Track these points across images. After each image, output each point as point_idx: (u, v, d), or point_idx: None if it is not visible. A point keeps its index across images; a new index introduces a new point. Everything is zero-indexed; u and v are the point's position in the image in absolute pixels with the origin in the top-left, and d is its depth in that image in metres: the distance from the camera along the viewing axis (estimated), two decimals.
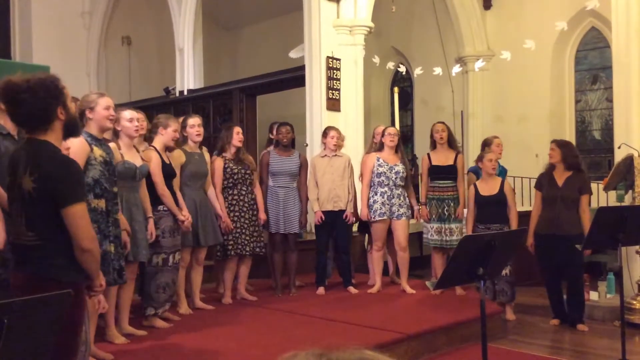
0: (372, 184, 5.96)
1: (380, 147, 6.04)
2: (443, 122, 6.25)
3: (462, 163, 6.12)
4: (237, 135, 5.61)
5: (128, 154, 4.32)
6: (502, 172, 6.29)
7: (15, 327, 1.65)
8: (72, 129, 2.64)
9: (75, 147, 3.39)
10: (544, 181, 5.62)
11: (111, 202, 3.71)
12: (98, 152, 3.66)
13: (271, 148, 6.06)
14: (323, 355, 0.90)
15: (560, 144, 5.61)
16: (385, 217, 5.88)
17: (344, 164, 6.03)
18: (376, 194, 5.92)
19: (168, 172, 4.80)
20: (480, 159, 5.87)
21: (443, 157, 6.04)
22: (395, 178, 5.90)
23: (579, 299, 5.53)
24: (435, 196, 6.00)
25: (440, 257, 6.07)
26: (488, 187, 5.73)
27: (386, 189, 5.90)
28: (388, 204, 5.88)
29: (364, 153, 6.58)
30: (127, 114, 4.35)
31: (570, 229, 5.34)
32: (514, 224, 5.61)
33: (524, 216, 5.94)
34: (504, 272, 5.49)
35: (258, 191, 5.75)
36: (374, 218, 5.92)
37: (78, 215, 2.44)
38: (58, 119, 2.51)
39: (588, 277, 5.89)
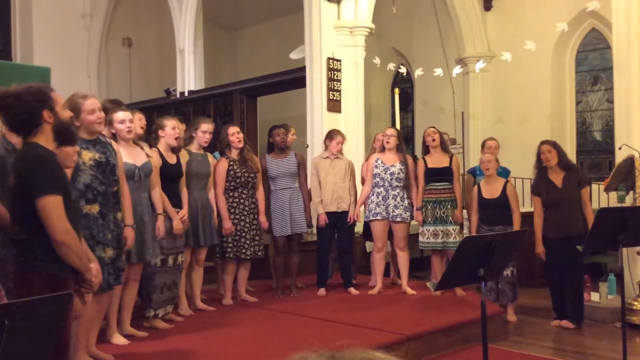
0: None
1: (382, 148, 6.06)
2: (433, 127, 6.26)
3: (457, 165, 6.11)
4: (231, 137, 5.50)
5: (129, 154, 4.25)
6: (503, 174, 6.28)
7: (15, 328, 1.65)
8: (65, 134, 2.67)
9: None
10: (542, 186, 5.55)
11: (109, 203, 3.65)
12: (88, 155, 3.55)
13: (267, 154, 6.01)
14: (334, 357, 0.90)
15: (555, 145, 5.56)
16: (379, 217, 5.89)
17: (344, 166, 6.05)
18: (372, 194, 5.95)
19: (170, 173, 4.78)
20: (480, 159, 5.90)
21: (438, 160, 6.01)
22: (391, 179, 5.90)
23: (578, 299, 5.51)
24: (431, 199, 5.97)
25: (439, 260, 6.06)
26: (490, 190, 5.71)
27: (382, 189, 5.91)
28: (383, 205, 5.89)
29: (365, 159, 6.59)
30: (119, 115, 4.21)
31: (578, 228, 5.32)
32: (516, 227, 5.53)
33: (525, 217, 5.91)
34: (505, 273, 5.48)
35: (260, 194, 5.71)
36: (369, 218, 5.96)
37: (49, 207, 2.50)
38: (45, 122, 2.58)
39: (589, 278, 5.88)
